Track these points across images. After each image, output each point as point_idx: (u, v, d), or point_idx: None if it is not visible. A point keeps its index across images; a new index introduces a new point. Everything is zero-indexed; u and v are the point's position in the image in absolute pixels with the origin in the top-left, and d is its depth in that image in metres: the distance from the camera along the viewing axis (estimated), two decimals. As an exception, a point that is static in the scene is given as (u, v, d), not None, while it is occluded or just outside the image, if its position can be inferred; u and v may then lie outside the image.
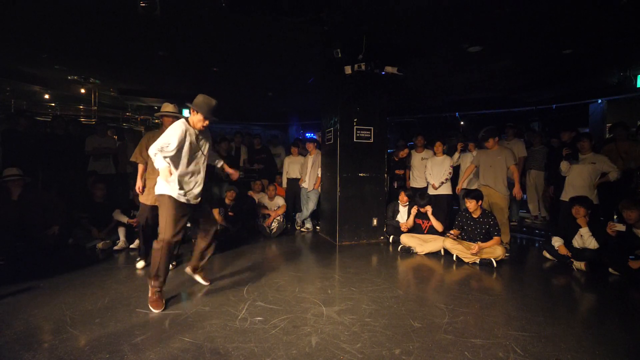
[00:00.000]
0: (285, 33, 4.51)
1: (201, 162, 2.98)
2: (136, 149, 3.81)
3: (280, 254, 4.64)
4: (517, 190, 4.73)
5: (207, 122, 2.86)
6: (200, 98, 2.84)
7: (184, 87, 7.83)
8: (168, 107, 3.66)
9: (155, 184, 3.12)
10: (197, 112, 2.80)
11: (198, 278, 3.30)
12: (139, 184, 3.71)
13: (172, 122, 3.55)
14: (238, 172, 3.30)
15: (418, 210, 4.83)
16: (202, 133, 2.93)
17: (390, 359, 2.09)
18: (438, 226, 4.72)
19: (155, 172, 3.27)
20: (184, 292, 3.12)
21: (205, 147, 3.01)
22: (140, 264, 3.84)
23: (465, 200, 4.40)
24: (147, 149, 3.44)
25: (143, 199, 3.73)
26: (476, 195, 4.35)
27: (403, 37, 4.68)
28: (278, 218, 5.61)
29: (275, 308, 2.79)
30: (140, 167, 3.77)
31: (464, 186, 5.30)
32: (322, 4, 3.78)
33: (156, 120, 10.95)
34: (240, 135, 7.27)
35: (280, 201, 5.79)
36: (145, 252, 3.82)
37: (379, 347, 2.22)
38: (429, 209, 4.75)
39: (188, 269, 3.29)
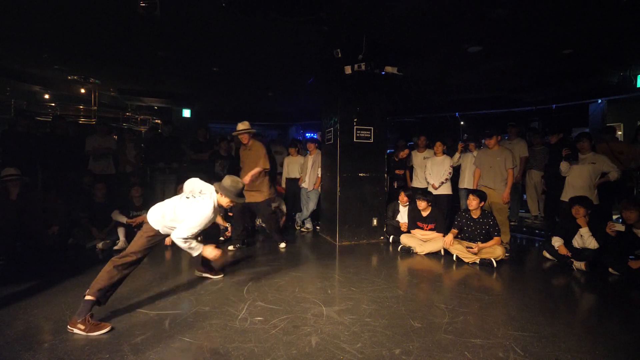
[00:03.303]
0: (285, 33, 4.51)
1: None
2: (265, 159, 4.49)
3: (280, 254, 4.64)
4: (505, 194, 4.77)
5: (234, 204, 3.06)
6: (228, 181, 2.91)
7: (184, 87, 7.84)
8: (239, 126, 4.48)
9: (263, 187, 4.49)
10: (224, 196, 2.86)
11: (210, 276, 3.51)
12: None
13: (249, 138, 4.56)
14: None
15: (419, 213, 4.80)
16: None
17: (390, 359, 2.09)
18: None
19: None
20: (184, 292, 3.12)
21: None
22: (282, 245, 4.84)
23: (470, 195, 4.39)
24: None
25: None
26: (480, 195, 4.35)
27: (403, 37, 4.68)
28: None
29: (275, 308, 2.79)
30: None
31: (468, 187, 5.30)
32: (322, 4, 3.78)
33: (157, 121, 10.97)
34: (240, 135, 7.27)
35: (282, 206, 5.72)
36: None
37: (379, 347, 2.22)
38: (428, 210, 4.75)
39: (197, 272, 3.52)
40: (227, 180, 2.91)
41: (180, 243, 2.65)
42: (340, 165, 5.09)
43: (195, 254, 2.74)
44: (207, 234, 5.16)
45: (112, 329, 2.39)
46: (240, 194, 2.93)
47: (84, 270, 3.64)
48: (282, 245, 4.82)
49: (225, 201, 2.88)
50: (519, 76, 6.58)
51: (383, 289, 3.25)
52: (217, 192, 2.86)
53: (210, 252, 2.79)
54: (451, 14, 3.96)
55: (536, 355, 2.15)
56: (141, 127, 10.60)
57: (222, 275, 3.53)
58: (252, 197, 4.42)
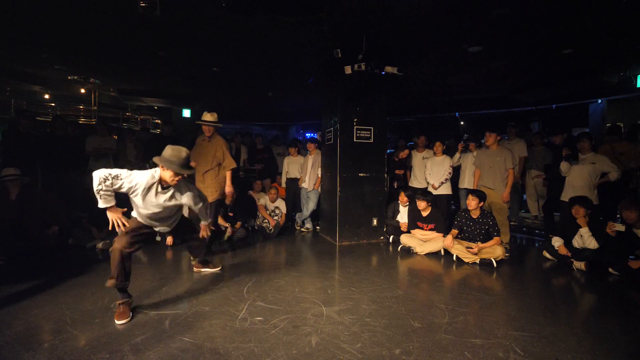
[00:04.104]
0: (285, 33, 4.51)
1: (170, 212, 2.90)
2: (229, 157, 4.33)
3: (280, 254, 4.64)
4: (505, 194, 4.79)
5: (179, 177, 2.67)
6: (168, 151, 2.62)
7: (184, 87, 7.84)
8: (207, 117, 4.24)
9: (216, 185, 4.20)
10: (166, 169, 2.61)
11: (208, 269, 3.64)
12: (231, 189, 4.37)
13: (213, 131, 4.32)
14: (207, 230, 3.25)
15: (419, 213, 4.79)
16: (176, 187, 2.75)
17: (390, 359, 2.09)
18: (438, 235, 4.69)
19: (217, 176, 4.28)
20: (184, 292, 3.12)
21: (181, 200, 2.84)
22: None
23: (469, 195, 4.39)
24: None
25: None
26: (480, 195, 4.35)
27: (403, 37, 4.68)
28: (276, 217, 5.60)
29: (275, 308, 2.79)
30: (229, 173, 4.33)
31: (468, 187, 5.30)
32: (322, 4, 3.78)
33: (156, 121, 10.97)
34: (240, 135, 7.28)
35: (282, 206, 5.73)
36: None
37: (379, 347, 2.22)
38: (428, 210, 4.75)
39: (196, 269, 3.62)
40: (167, 150, 2.62)
41: (95, 177, 2.43)
42: (340, 165, 5.09)
43: (100, 203, 2.50)
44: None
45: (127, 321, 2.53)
46: (183, 164, 2.61)
47: (84, 270, 3.64)
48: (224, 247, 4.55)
49: (168, 174, 2.61)
50: (519, 76, 6.58)
51: (383, 289, 3.25)
52: (159, 166, 2.64)
53: (113, 214, 2.58)
54: (451, 14, 3.96)
55: (536, 355, 2.15)
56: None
57: (220, 268, 3.61)
58: None
